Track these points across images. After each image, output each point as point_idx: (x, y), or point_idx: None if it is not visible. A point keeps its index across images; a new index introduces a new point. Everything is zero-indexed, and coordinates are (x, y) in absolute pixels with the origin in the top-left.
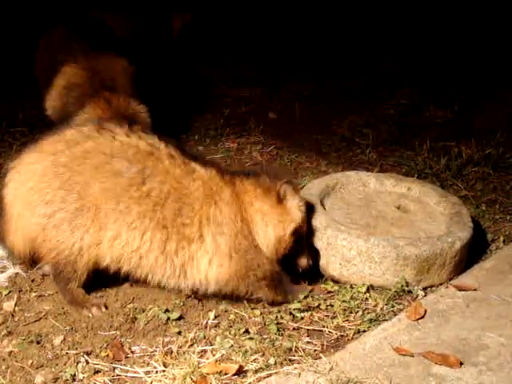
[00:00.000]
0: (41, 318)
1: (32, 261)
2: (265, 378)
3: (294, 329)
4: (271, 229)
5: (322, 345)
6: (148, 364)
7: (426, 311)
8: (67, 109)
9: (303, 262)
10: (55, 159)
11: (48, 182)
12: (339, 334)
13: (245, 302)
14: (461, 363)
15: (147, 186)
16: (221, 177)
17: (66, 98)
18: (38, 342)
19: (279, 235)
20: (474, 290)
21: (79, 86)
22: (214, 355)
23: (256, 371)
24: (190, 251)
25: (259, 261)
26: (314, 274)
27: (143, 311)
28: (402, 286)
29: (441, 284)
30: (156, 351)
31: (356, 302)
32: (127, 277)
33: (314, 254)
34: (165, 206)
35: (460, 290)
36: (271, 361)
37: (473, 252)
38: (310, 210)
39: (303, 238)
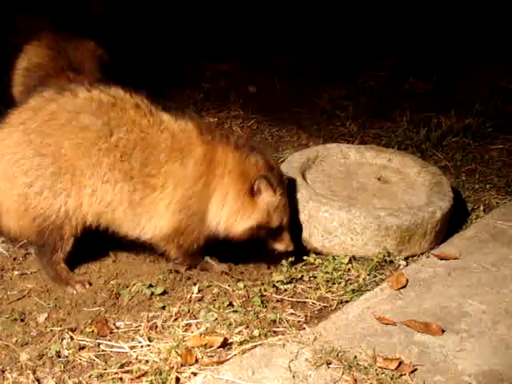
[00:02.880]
0: (24, 296)
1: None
2: (249, 349)
3: (277, 301)
4: (225, 212)
5: (306, 316)
6: (133, 339)
7: (407, 280)
8: (30, 92)
9: (279, 247)
10: (25, 128)
11: (23, 152)
12: (322, 304)
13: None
14: (443, 331)
15: (114, 136)
16: (198, 133)
17: (28, 79)
18: (21, 320)
19: (231, 225)
20: (455, 258)
21: (42, 66)
22: (198, 329)
23: (241, 343)
24: (151, 198)
25: (197, 231)
26: (296, 247)
27: (127, 287)
28: (384, 256)
29: (422, 253)
30: (141, 326)
31: (339, 273)
32: (110, 253)
33: (296, 230)
34: (132, 155)
35: (441, 259)
36: (255, 333)
37: (453, 221)
38: (291, 197)
39: (277, 229)
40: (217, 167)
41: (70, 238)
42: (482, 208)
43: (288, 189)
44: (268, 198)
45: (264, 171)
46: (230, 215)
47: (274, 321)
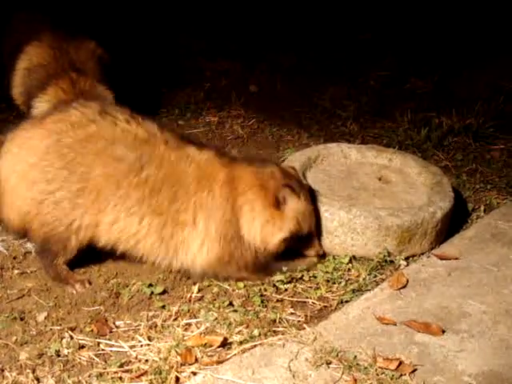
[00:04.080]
0: (24, 295)
1: (24, 236)
2: (249, 349)
3: (277, 300)
4: (258, 225)
5: (306, 316)
6: (133, 338)
7: (408, 280)
8: (30, 93)
9: (310, 253)
10: (59, 139)
11: (51, 161)
12: (323, 304)
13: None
14: (443, 331)
15: (145, 172)
16: (218, 159)
17: (28, 80)
18: (21, 319)
19: (266, 237)
20: (456, 258)
21: (43, 67)
22: (198, 328)
23: (241, 343)
24: (184, 235)
25: (242, 251)
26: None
27: (127, 286)
28: (384, 256)
29: (422, 253)
30: (140, 325)
31: (339, 273)
32: (110, 252)
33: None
34: (161, 192)
35: (442, 259)
36: (255, 332)
37: (454, 221)
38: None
39: (307, 236)
40: (239, 185)
41: (74, 250)
42: (482, 208)
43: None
44: (294, 205)
45: (284, 180)
46: (263, 227)
47: (274, 320)
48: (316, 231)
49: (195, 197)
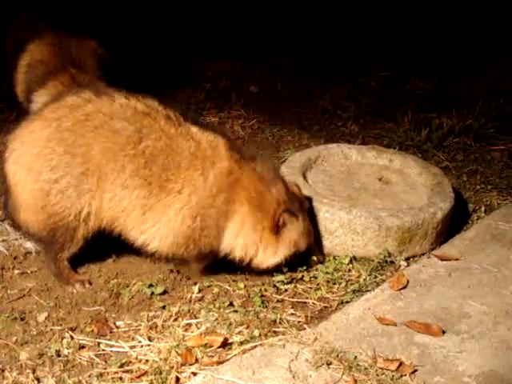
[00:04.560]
0: (24, 295)
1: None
2: (250, 349)
3: (278, 301)
4: (240, 242)
5: (306, 316)
6: (133, 338)
7: (408, 281)
8: (30, 88)
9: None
10: (59, 124)
11: (53, 148)
12: (323, 305)
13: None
14: (443, 332)
15: (143, 144)
16: (227, 148)
17: (29, 76)
18: (22, 319)
19: (253, 257)
20: (456, 259)
21: (43, 63)
22: (198, 328)
23: (241, 343)
24: (165, 200)
25: (210, 243)
26: None
27: (127, 286)
28: (385, 256)
29: (423, 254)
30: (141, 326)
31: (339, 274)
32: (110, 252)
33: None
34: (155, 161)
35: (442, 260)
36: (256, 333)
37: (454, 222)
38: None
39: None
40: (240, 190)
41: (80, 241)
42: (483, 209)
43: (309, 210)
44: (292, 228)
45: (285, 204)
46: (249, 246)
47: (275, 321)
48: (314, 243)
49: (186, 173)
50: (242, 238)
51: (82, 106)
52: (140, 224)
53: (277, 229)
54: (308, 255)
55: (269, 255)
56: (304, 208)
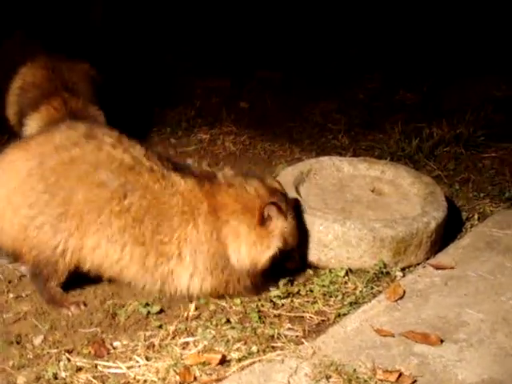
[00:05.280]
0: (20, 319)
1: (18, 259)
2: (248, 366)
3: (275, 316)
4: (245, 250)
5: (304, 330)
6: (130, 359)
7: (404, 291)
8: (22, 111)
9: (290, 266)
10: (42, 162)
11: (32, 185)
12: (320, 318)
13: None
14: (442, 341)
15: (127, 200)
16: (200, 188)
17: (21, 99)
18: (18, 343)
19: (255, 257)
20: (452, 268)
21: (36, 86)
22: (196, 346)
23: (239, 360)
24: (170, 266)
25: (236, 276)
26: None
27: (123, 306)
28: (380, 267)
29: (418, 264)
30: (138, 346)
31: (335, 286)
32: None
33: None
34: (143, 222)
35: (437, 269)
36: (254, 349)
37: (448, 231)
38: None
39: (290, 250)
40: (221, 214)
41: (64, 273)
42: (476, 216)
43: (302, 223)
44: (280, 222)
45: (269, 197)
46: (251, 249)
47: (272, 336)
48: (296, 245)
49: (179, 230)
50: (244, 246)
51: (69, 148)
52: (151, 279)
53: (264, 220)
54: (288, 260)
55: (264, 249)
56: (289, 204)
